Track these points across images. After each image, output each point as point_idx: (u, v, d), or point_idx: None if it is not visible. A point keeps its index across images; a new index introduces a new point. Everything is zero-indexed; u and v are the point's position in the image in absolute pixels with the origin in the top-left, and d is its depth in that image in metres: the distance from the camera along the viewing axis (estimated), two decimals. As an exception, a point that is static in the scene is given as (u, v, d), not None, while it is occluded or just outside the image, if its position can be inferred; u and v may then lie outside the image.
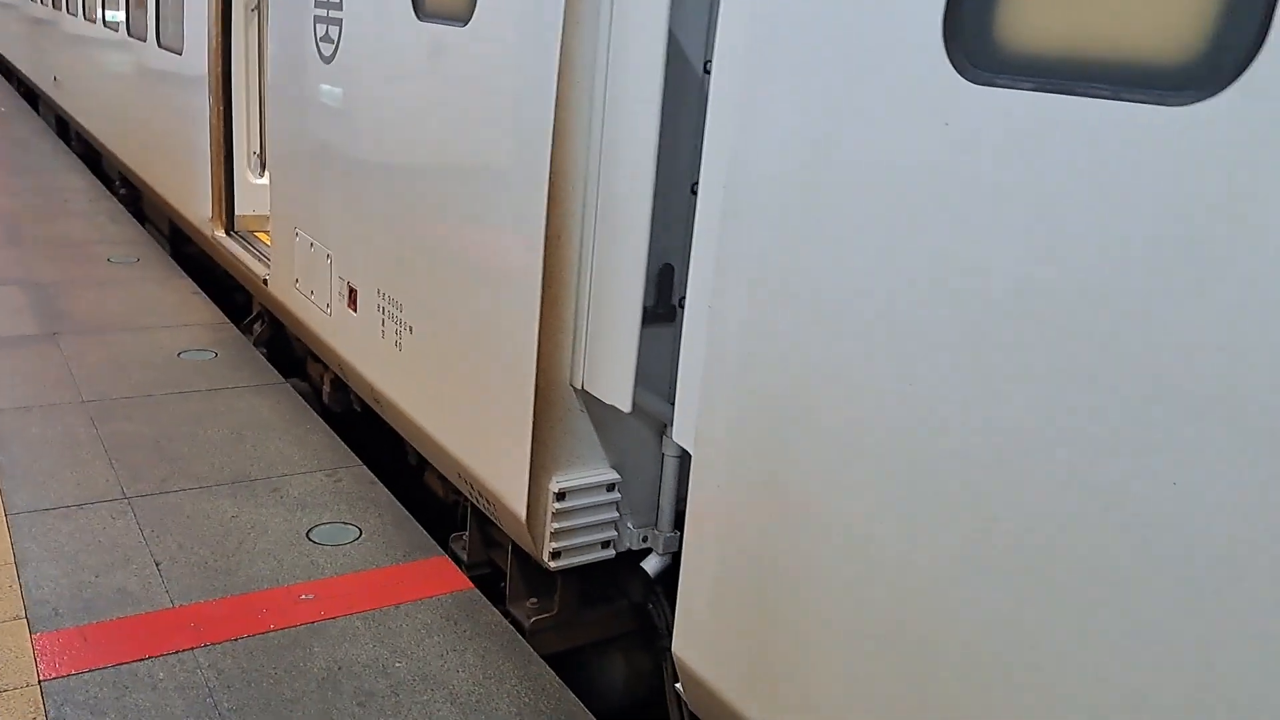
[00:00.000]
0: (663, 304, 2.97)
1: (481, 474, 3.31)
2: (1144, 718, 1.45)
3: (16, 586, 2.87)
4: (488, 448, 3.26)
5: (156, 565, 3.06)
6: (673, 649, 2.53)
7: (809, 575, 2.09)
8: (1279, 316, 1.28)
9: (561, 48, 2.70)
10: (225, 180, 5.96)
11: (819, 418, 2.03)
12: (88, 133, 9.95)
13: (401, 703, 2.57)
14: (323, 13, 4.14)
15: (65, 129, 11.72)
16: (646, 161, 2.63)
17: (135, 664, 2.59)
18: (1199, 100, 1.33)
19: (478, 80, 3.16)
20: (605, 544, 3.19)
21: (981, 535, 1.68)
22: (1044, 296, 1.56)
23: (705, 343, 2.35)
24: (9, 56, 15.74)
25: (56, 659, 2.59)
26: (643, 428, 3.14)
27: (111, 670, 2.56)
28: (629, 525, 3.21)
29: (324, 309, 4.44)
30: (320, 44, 4.21)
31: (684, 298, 2.58)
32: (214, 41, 5.69)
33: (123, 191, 9.09)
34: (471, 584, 3.20)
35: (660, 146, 2.59)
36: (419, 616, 2.95)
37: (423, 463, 3.97)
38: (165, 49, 6.69)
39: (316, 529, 3.36)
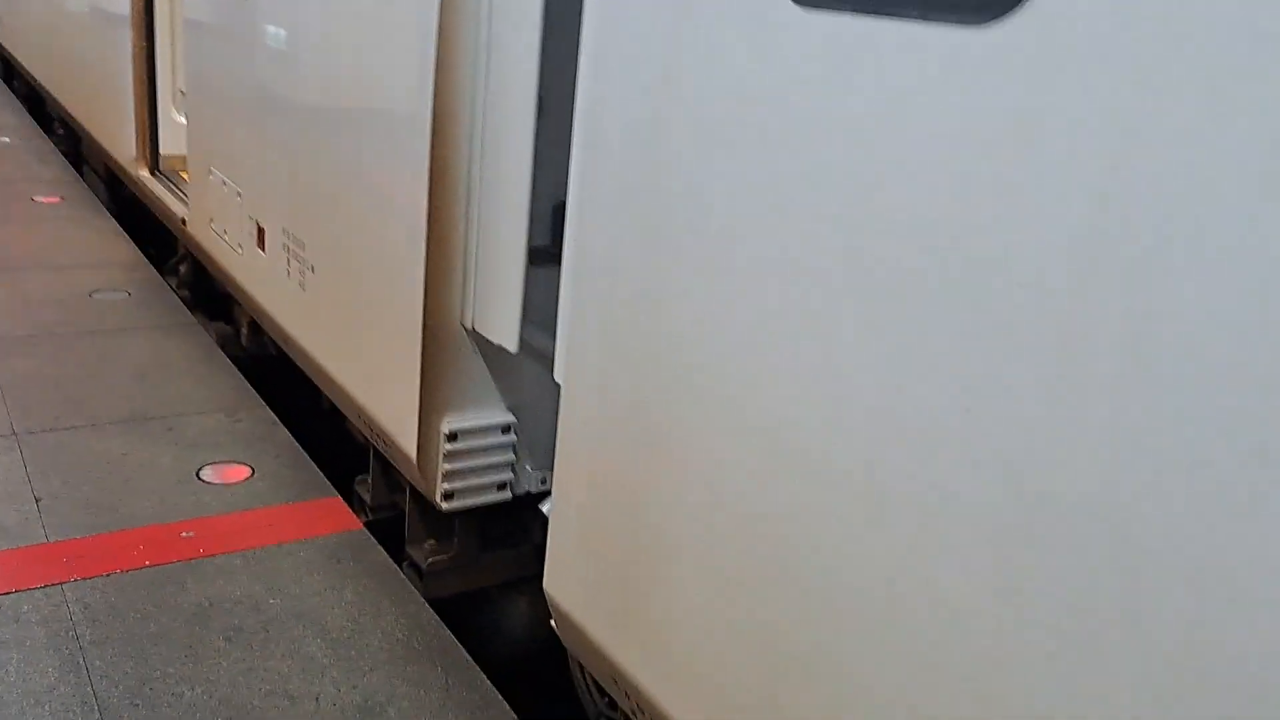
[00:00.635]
0: (556, 243, 2.93)
1: (377, 415, 3.28)
2: (972, 642, 1.46)
3: (-111, 520, 2.82)
4: (381, 388, 3.22)
5: (37, 501, 3.01)
6: (544, 586, 2.52)
7: (668, 512, 2.09)
8: (1067, 237, 1.26)
9: (441, -20, 2.64)
10: (149, 119, 5.83)
11: (677, 355, 2.01)
12: (28, 73, 9.72)
13: (270, 638, 2.55)
14: (230, -55, 4.03)
15: (11, 71, 11.43)
16: (528, 98, 2.58)
17: (1, 596, 2.55)
18: (995, 20, 1.30)
19: (364, 15, 3.09)
20: (501, 486, 3.17)
21: (832, 475, 1.67)
22: (874, 224, 1.53)
23: (570, 278, 2.32)
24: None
25: (-82, 589, 2.55)
26: (540, 370, 3.12)
27: (-25, 602, 2.52)
28: (527, 467, 3.19)
29: (236, 249, 4.37)
30: (228, -23, 4.10)
31: None
32: (135, -25, 5.54)
33: (60, 133, 8.89)
34: (361, 524, 3.18)
35: (549, 83, 2.54)
36: (302, 555, 2.93)
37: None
38: (91, -17, 6.52)
39: (206, 468, 3.32)
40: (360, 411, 3.40)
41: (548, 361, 3.14)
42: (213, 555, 2.85)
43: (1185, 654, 1.18)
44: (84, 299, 4.67)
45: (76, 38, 7.24)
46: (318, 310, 3.63)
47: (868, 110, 1.51)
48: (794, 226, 1.68)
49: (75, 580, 2.67)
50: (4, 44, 10.88)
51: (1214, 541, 1.13)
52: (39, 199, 6.36)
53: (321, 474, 3.40)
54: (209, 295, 5.31)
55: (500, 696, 2.45)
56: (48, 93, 8.77)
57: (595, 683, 2.62)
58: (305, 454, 3.50)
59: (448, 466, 3.03)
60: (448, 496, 3.06)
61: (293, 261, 3.79)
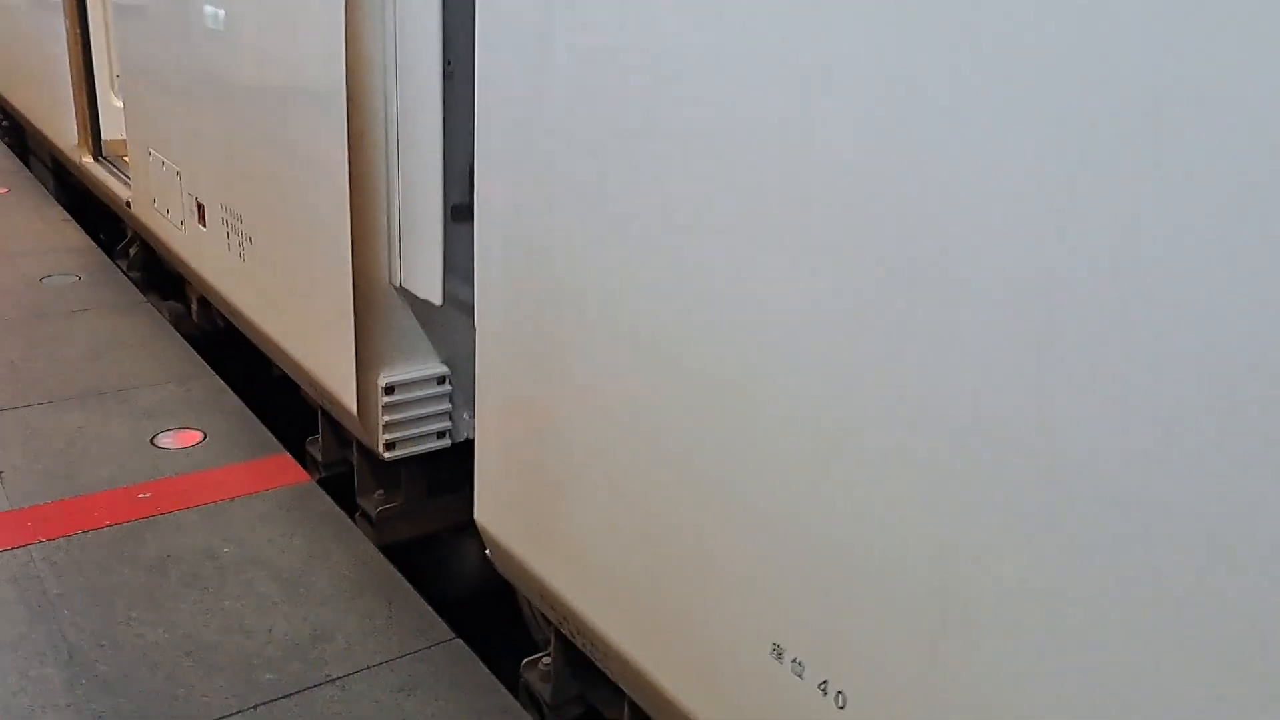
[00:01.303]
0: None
1: (318, 374, 3.46)
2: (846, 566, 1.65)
3: None
4: (320, 348, 3.40)
5: (-1, 474, 3.19)
6: (475, 517, 2.73)
7: (577, 434, 2.29)
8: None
9: (341, -48, 2.79)
10: (89, 105, 5.92)
11: (574, 292, 2.20)
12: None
13: (226, 581, 2.75)
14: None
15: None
16: (433, 66, 2.74)
17: (-31, 561, 2.74)
18: None
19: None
20: (441, 434, 3.37)
21: (721, 389, 1.84)
22: (740, 157, 1.72)
23: (480, 230, 2.51)
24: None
25: (-108, 560, 2.73)
26: (470, 323, 3.31)
27: (-55, 568, 2.71)
28: (465, 416, 3.39)
29: (179, 226, 4.51)
30: (149, -41, 4.21)
31: None
32: (63, -39, 5.60)
33: (5, 124, 8.90)
34: (309, 478, 3.37)
35: (456, 52, 2.70)
36: (254, 507, 3.13)
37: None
38: (22, -28, 6.55)
39: (161, 434, 3.50)
40: (303, 373, 3.58)
41: (471, 312, 3.32)
42: (169, 512, 3.05)
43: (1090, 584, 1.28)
44: (35, 285, 4.81)
45: (12, 28, 7.27)
46: (258, 279, 3.79)
47: (735, 56, 1.68)
48: (667, 168, 1.87)
49: (40, 542, 2.86)
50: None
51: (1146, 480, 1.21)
52: (-16, 190, 6.44)
53: (270, 434, 3.59)
54: (160, 276, 5.44)
55: (440, 619, 2.67)
56: (-11, 85, 8.77)
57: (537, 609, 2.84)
58: (254, 417, 3.69)
59: (387, 418, 3.22)
60: (389, 446, 3.26)
61: (232, 235, 3.95)
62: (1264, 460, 1.08)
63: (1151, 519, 1.22)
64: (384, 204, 3.05)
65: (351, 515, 3.40)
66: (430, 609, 2.71)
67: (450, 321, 3.25)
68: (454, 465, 3.74)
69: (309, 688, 2.38)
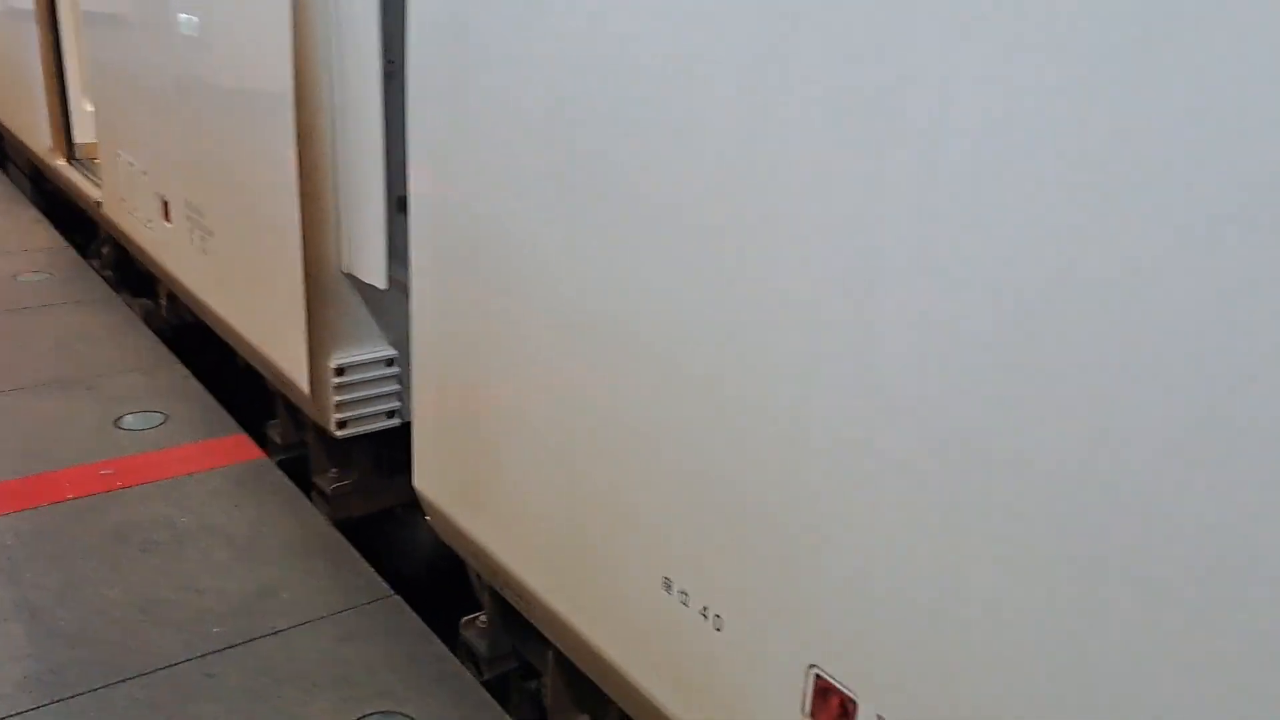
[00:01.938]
0: None
1: (274, 358, 3.66)
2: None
3: None
4: (276, 334, 3.60)
5: (-32, 454, 3.37)
6: (413, 483, 2.93)
7: (503, 397, 2.49)
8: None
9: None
10: (61, 109, 6.10)
11: (496, 264, 2.40)
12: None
13: (182, 547, 2.95)
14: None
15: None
16: (373, 66, 2.95)
17: (-61, 531, 2.93)
18: None
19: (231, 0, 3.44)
20: (390, 414, 3.57)
21: (635, 349, 1.99)
22: (641, 115, 1.92)
23: (414, 214, 2.71)
24: None
25: None
26: (417, 307, 3.50)
27: (-83, 537, 2.89)
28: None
29: (146, 224, 4.70)
30: (112, -32, 4.40)
31: None
32: (34, -30, 5.78)
33: (-18, 131, 9.06)
34: (264, 454, 3.57)
35: (396, 53, 2.90)
36: (210, 482, 3.32)
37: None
38: (-5, -19, 6.73)
39: (125, 417, 3.69)
40: (260, 358, 3.78)
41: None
42: (130, 486, 3.24)
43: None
44: (8, 281, 5.00)
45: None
46: (218, 271, 3.99)
47: (635, 25, 1.86)
48: (581, 157, 2.05)
49: (7, 514, 3.04)
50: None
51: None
52: (-40, 194, 6.61)
53: (230, 416, 3.78)
54: (131, 274, 5.62)
55: (380, 578, 2.86)
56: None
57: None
58: (215, 401, 3.88)
59: (339, 398, 3.42)
60: (341, 425, 3.46)
61: (195, 230, 4.14)
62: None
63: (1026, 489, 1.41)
64: (331, 196, 3.26)
65: (307, 492, 3.59)
66: (371, 569, 2.91)
67: (398, 307, 3.44)
68: (405, 444, 3.94)
69: (254, 639, 2.58)
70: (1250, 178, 1.06)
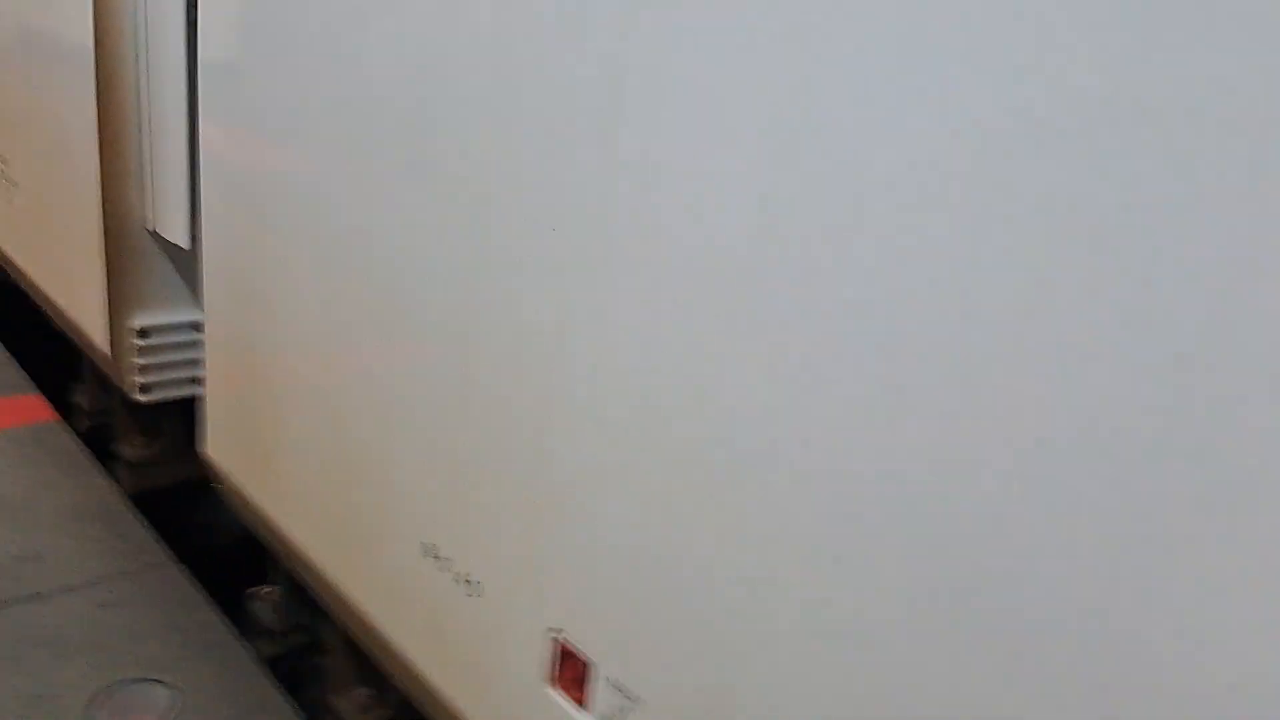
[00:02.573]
0: None
1: (75, 318, 3.49)
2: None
3: None
4: (76, 290, 3.44)
5: None
6: (202, 449, 2.83)
7: (283, 374, 2.42)
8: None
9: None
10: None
11: (278, 222, 2.33)
12: None
13: (-55, 508, 2.78)
14: None
15: None
16: (178, 19, 2.83)
17: None
18: None
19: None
20: (196, 380, 3.43)
21: (389, 339, 2.00)
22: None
23: (202, 172, 2.61)
24: None
25: None
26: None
27: None
28: (224, 364, 3.46)
29: (-44, 174, 4.43)
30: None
31: None
32: None
33: None
34: (58, 417, 3.39)
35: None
36: (-9, 442, 3.14)
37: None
38: None
39: (-94, 372, 3.47)
40: (63, 316, 3.60)
41: None
42: (-103, 442, 3.04)
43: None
44: None
45: None
46: (23, 225, 3.79)
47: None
48: (350, 126, 2.01)
49: None
50: None
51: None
52: None
53: (26, 376, 3.58)
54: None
55: (161, 544, 2.75)
56: None
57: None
58: (11, 359, 3.67)
59: (141, 361, 3.27)
60: (144, 389, 3.31)
61: (1, 180, 3.92)
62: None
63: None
64: (135, 148, 3.12)
65: (110, 464, 3.43)
66: (150, 537, 2.79)
67: (213, 272, 3.32)
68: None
69: (11, 602, 2.44)
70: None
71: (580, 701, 1.71)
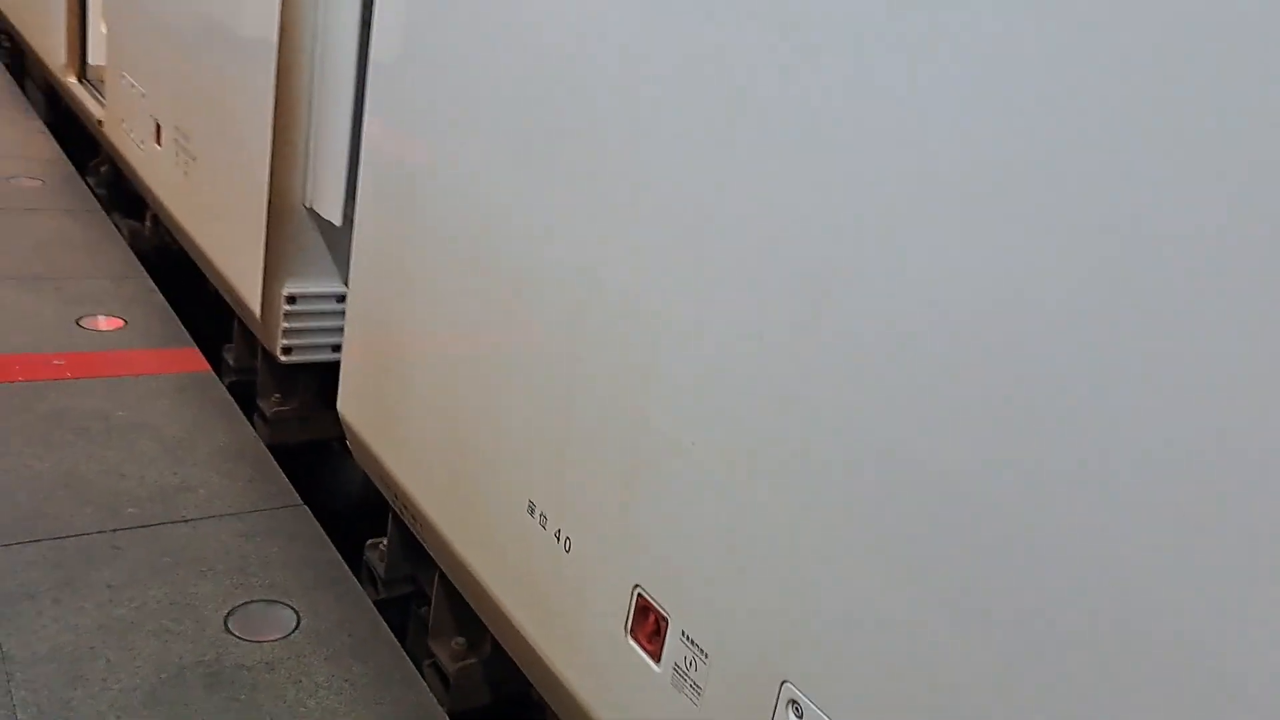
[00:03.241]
0: None
1: (233, 282, 3.85)
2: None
3: None
4: (237, 258, 3.80)
5: (-67, 329, 3.57)
6: (338, 408, 3.13)
7: (413, 339, 2.69)
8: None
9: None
10: (80, 30, 6.31)
11: (423, 208, 2.61)
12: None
13: (112, 438, 3.14)
14: None
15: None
16: (353, 19, 3.15)
17: (-109, 391, 3.13)
18: None
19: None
20: (335, 348, 3.76)
21: (512, 315, 2.24)
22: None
23: (362, 155, 2.91)
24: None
25: None
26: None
27: None
28: (359, 334, 3.77)
29: (140, 145, 4.90)
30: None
31: None
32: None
33: (6, 45, 9.27)
34: (209, 367, 3.76)
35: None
36: (154, 385, 3.51)
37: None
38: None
39: (85, 318, 3.89)
40: (222, 280, 3.97)
41: None
42: (76, 379, 3.43)
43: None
44: (2, 183, 5.19)
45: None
46: (196, 195, 4.19)
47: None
48: (514, 123, 2.25)
49: (-43, 385, 3.25)
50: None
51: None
52: (-28, 100, 6.83)
53: (185, 331, 3.98)
54: (124, 195, 5.82)
55: (293, 489, 3.06)
56: (-3, 8, 9.16)
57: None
58: (174, 314, 4.07)
59: (287, 325, 3.61)
60: (286, 351, 3.65)
61: (180, 154, 4.34)
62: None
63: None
64: (303, 133, 3.46)
65: (250, 417, 3.78)
66: (286, 480, 3.10)
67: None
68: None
69: (164, 523, 2.77)
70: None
71: (654, 653, 1.90)
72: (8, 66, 8.53)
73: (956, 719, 1.34)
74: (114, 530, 2.70)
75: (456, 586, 2.62)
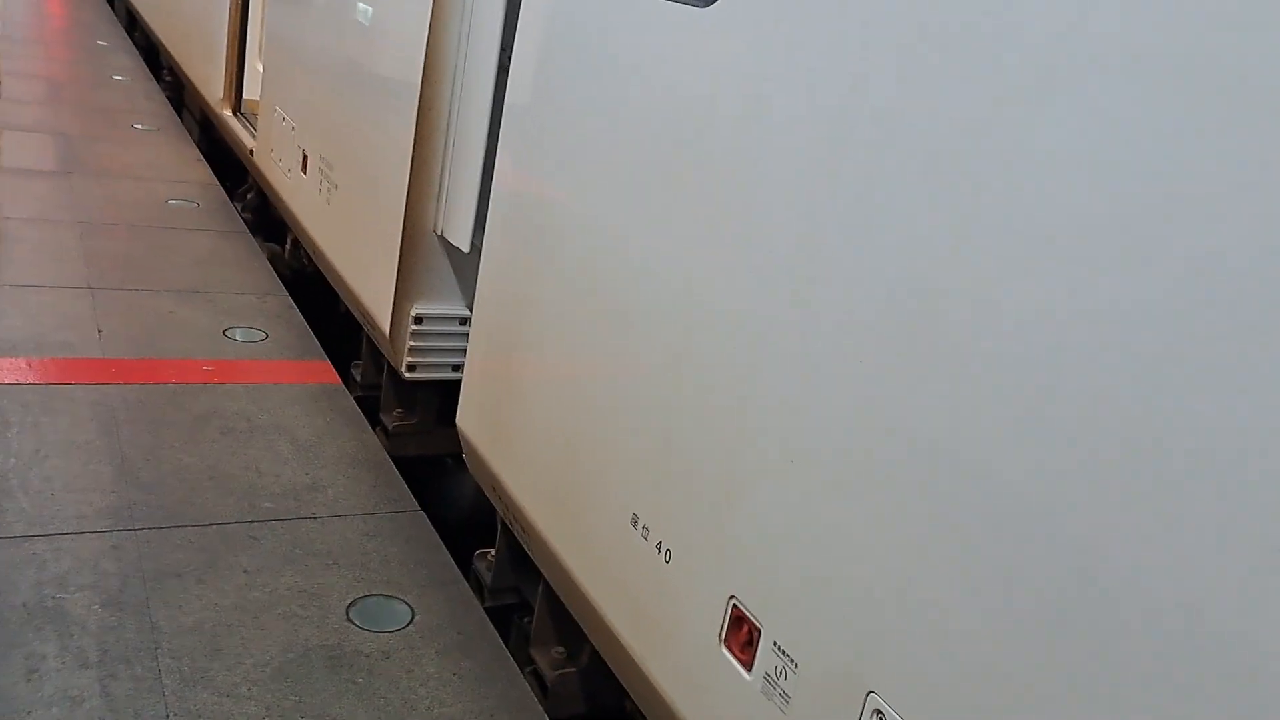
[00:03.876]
0: None
1: (365, 302, 4.13)
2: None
3: (-10, 331, 3.75)
4: (370, 280, 4.07)
5: (99, 331, 3.92)
6: (457, 422, 3.32)
7: (531, 358, 2.86)
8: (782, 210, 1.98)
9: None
10: (237, 67, 6.82)
11: (546, 238, 2.80)
12: (147, 25, 10.89)
13: (253, 437, 3.41)
14: (304, -77, 4.94)
15: (134, 22, 12.67)
16: (490, 62, 3.39)
17: (62, 385, 3.45)
18: (710, 3, 2.06)
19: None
20: (456, 368, 3.98)
21: (624, 345, 2.38)
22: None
23: (494, 191, 3.12)
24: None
25: (3, 373, 3.46)
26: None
27: (44, 386, 3.42)
28: (480, 356, 3.99)
29: (287, 174, 5.28)
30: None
31: None
32: (235, -58, 6.52)
33: (168, 79, 10.02)
34: (340, 380, 4.03)
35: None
36: (290, 392, 3.79)
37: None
38: (199, -53, 7.55)
39: (233, 329, 4.21)
40: (355, 300, 4.26)
41: None
42: (224, 383, 3.73)
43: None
44: (160, 204, 5.65)
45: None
46: (336, 220, 4.51)
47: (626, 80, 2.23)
48: (637, 163, 2.41)
49: (119, 384, 3.56)
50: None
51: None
52: (138, 126, 7.41)
53: (319, 344, 4.27)
54: (268, 221, 6.25)
55: (411, 495, 3.26)
56: (160, 43, 9.91)
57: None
58: (310, 330, 4.37)
59: (412, 343, 3.85)
60: (410, 368, 3.89)
61: (324, 182, 4.67)
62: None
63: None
64: (438, 167, 3.72)
65: (374, 428, 4.03)
66: (406, 487, 3.31)
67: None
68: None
69: (295, 518, 3.00)
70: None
71: (746, 663, 1.99)
72: (170, 100, 9.21)
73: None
74: (251, 521, 2.94)
75: (559, 595, 2.76)
